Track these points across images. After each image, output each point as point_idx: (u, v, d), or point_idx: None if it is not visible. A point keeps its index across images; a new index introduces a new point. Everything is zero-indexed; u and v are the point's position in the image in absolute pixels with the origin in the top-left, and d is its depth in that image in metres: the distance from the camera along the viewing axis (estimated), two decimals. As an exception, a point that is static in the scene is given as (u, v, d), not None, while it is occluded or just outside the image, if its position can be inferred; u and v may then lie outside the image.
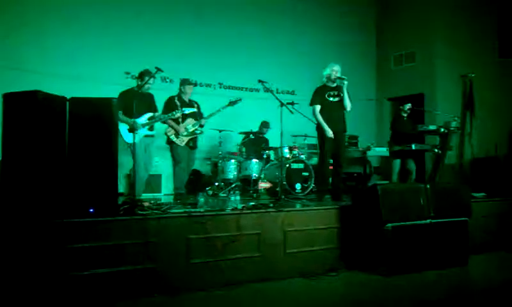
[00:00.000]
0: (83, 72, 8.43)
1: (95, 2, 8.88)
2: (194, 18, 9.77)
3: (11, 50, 7.98)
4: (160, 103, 7.02)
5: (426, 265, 5.35)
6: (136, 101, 5.99)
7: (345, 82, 6.42)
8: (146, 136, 6.51)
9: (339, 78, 6.46)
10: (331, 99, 6.51)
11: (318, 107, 6.52)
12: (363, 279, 5.06)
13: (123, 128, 6.20)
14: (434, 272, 5.28)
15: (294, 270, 5.13)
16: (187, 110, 6.87)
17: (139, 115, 6.37)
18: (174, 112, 6.73)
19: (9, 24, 8.01)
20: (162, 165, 8.28)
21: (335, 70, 6.54)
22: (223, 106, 7.28)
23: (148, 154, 6.59)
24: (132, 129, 6.17)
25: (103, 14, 8.92)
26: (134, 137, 5.93)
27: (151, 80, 6.41)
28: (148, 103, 6.61)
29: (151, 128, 6.59)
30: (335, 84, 6.56)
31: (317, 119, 6.53)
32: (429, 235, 5.43)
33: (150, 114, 6.58)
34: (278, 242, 5.09)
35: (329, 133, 6.41)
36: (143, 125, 6.43)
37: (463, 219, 5.74)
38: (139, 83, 6.49)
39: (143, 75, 6.50)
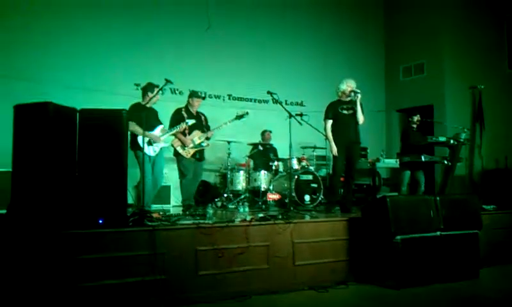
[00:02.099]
0: (93, 83, 8.47)
1: (105, 13, 8.94)
2: (204, 29, 9.81)
3: (21, 61, 8.04)
4: (168, 115, 7.07)
5: (436, 277, 5.30)
6: (145, 114, 6.04)
7: (359, 95, 6.42)
8: (161, 149, 6.58)
9: (353, 91, 6.46)
10: (344, 112, 6.50)
11: (329, 122, 6.53)
12: (372, 292, 5.02)
13: (141, 141, 6.24)
14: (444, 285, 5.23)
15: (303, 282, 5.10)
16: (190, 122, 6.88)
17: (152, 128, 6.43)
18: (179, 125, 6.79)
19: (19, 36, 8.07)
20: (170, 176, 8.29)
21: (350, 85, 6.52)
22: (229, 119, 7.33)
23: (160, 166, 6.63)
24: (153, 142, 6.36)
25: (113, 26, 8.98)
26: (144, 149, 5.96)
27: (158, 94, 6.46)
28: (155, 117, 6.67)
29: (165, 141, 6.67)
30: (348, 98, 6.55)
31: (326, 135, 6.53)
32: (439, 248, 5.39)
33: (161, 127, 6.63)
34: (287, 254, 5.08)
35: (334, 150, 6.43)
36: (159, 138, 6.51)
37: (473, 231, 5.70)
38: (147, 96, 6.52)
39: (147, 89, 6.55)
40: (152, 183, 6.48)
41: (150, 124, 6.25)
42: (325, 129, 6.59)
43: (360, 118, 6.52)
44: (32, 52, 8.17)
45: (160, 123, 6.71)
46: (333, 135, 6.51)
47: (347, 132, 6.48)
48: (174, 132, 6.78)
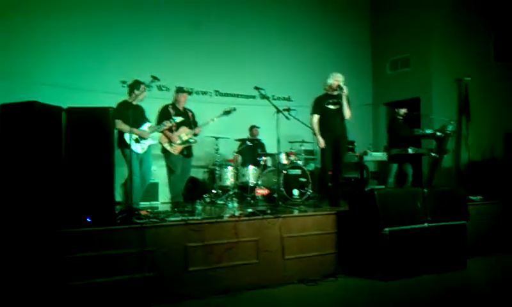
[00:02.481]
0: (79, 82, 8.41)
1: (90, 11, 8.89)
2: (191, 26, 9.77)
3: (6, 60, 7.97)
4: (156, 112, 7.05)
5: (425, 269, 5.36)
6: (132, 112, 6.02)
7: (344, 91, 6.45)
8: (149, 146, 6.56)
9: (339, 86, 6.50)
10: (330, 106, 6.56)
11: (316, 117, 6.62)
12: (361, 284, 5.07)
13: (129, 138, 6.22)
14: (433, 276, 5.29)
15: (293, 276, 5.14)
16: (177, 119, 6.87)
17: (139, 125, 6.41)
18: (164, 122, 6.78)
19: (5, 35, 8.00)
20: (158, 173, 8.27)
21: (337, 79, 6.57)
22: (217, 115, 7.33)
23: (148, 163, 6.62)
24: (141, 139, 6.36)
25: (99, 23, 8.91)
26: (131, 146, 5.95)
27: (145, 89, 6.43)
28: (142, 114, 6.65)
29: (152, 138, 6.66)
30: (335, 93, 6.60)
31: (312, 128, 6.59)
32: (427, 239, 5.44)
33: (149, 124, 6.61)
34: (276, 249, 5.10)
35: (321, 143, 6.51)
36: (147, 135, 6.50)
37: (460, 222, 5.76)
38: (133, 94, 6.50)
39: (133, 87, 6.53)
40: (140, 181, 6.46)
41: (137, 121, 6.24)
42: (311, 123, 6.65)
43: (347, 112, 6.57)
44: (17, 51, 8.10)
45: (148, 121, 6.69)
46: (319, 129, 6.57)
47: (333, 126, 6.53)
48: (161, 129, 6.76)
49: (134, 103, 6.44)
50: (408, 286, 4.97)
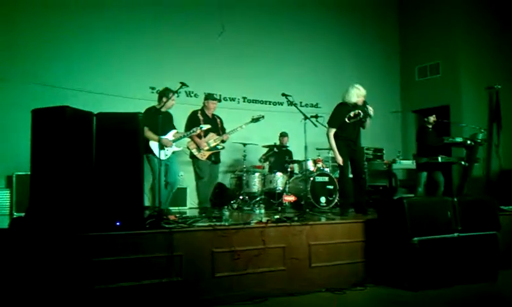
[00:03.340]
0: (109, 88, 8.55)
1: (120, 18, 9.02)
2: (218, 34, 9.83)
3: (37, 66, 8.14)
4: (184, 118, 7.09)
5: (454, 279, 5.23)
6: (159, 118, 6.04)
7: (371, 113, 6.32)
8: (173, 153, 6.61)
9: (367, 114, 6.35)
10: (350, 121, 6.36)
11: (332, 131, 6.38)
12: (390, 294, 4.98)
13: (154, 145, 6.29)
14: (462, 287, 5.16)
15: (320, 284, 5.07)
16: (205, 127, 6.87)
17: (165, 132, 6.46)
18: (193, 129, 6.80)
19: (34, 40, 8.17)
20: (187, 178, 8.32)
21: (360, 97, 6.34)
22: (245, 122, 7.33)
23: (174, 169, 6.66)
24: (164, 146, 6.41)
25: (128, 30, 9.05)
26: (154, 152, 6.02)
27: (174, 97, 6.48)
28: (169, 121, 6.70)
29: (177, 145, 6.69)
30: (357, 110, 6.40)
31: (329, 142, 6.42)
32: (457, 249, 5.32)
33: (174, 131, 6.65)
34: (303, 256, 5.06)
35: (340, 160, 6.31)
36: (170, 144, 6.55)
37: (491, 232, 5.62)
38: (162, 101, 6.54)
39: (163, 94, 6.58)
40: (168, 187, 6.51)
41: (162, 128, 6.20)
42: (328, 137, 6.43)
43: (367, 127, 6.52)
44: (47, 56, 8.25)
45: (174, 128, 6.73)
46: (335, 138, 6.39)
47: (352, 140, 6.40)
48: (186, 136, 6.79)
49: (162, 109, 6.47)
50: (437, 297, 4.86)
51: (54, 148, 4.20)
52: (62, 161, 4.19)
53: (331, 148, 6.53)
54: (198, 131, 6.83)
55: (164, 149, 6.43)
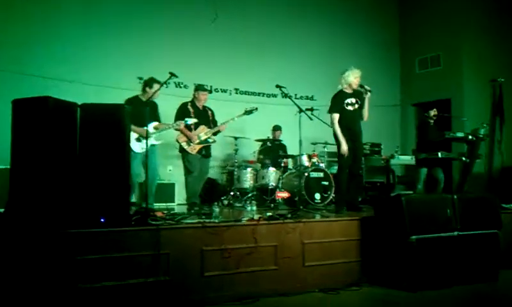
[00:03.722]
0: (94, 78, 8.51)
1: (105, 5, 8.98)
2: (210, 21, 9.80)
3: (19, 55, 8.07)
4: (174, 109, 7.08)
5: (453, 280, 5.27)
6: (140, 109, 5.99)
7: (369, 94, 6.39)
8: (153, 145, 6.45)
9: (364, 88, 6.43)
10: (349, 108, 6.41)
11: (336, 116, 6.40)
12: (386, 295, 5.00)
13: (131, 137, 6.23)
14: (461, 288, 5.20)
15: (313, 284, 5.10)
16: (190, 121, 6.81)
17: (145, 124, 6.31)
18: (177, 123, 6.75)
19: (16, 30, 8.10)
20: (175, 173, 8.31)
21: (357, 77, 6.45)
22: (237, 115, 7.32)
23: (152, 163, 6.47)
24: (142, 138, 6.25)
25: (114, 17, 9.02)
26: (146, 146, 5.96)
27: (158, 87, 6.41)
28: (152, 112, 6.59)
29: (157, 138, 6.61)
30: (353, 91, 6.51)
31: (334, 130, 6.45)
32: (456, 248, 5.35)
33: (155, 123, 6.58)
34: (296, 255, 5.08)
35: (345, 149, 6.31)
36: (151, 134, 6.43)
37: (492, 231, 5.66)
38: (145, 91, 6.53)
39: (147, 84, 6.55)
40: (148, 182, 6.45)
41: (142, 120, 6.11)
42: (332, 123, 6.43)
43: (366, 115, 6.52)
44: (29, 45, 8.19)
45: (157, 120, 6.67)
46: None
47: (352, 126, 6.42)
48: (167, 129, 6.68)
49: (145, 100, 6.44)
50: (435, 298, 4.90)
51: (35, 141, 4.18)
52: (44, 154, 4.17)
53: (335, 136, 6.42)
54: (182, 125, 6.77)
55: (140, 141, 6.34)
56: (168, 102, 7.15)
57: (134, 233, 4.37)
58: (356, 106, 6.46)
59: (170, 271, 4.42)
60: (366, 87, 6.44)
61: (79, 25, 8.66)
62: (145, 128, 5.70)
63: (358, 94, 6.51)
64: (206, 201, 7.43)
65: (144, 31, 9.24)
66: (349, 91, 6.48)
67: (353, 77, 6.45)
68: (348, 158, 6.38)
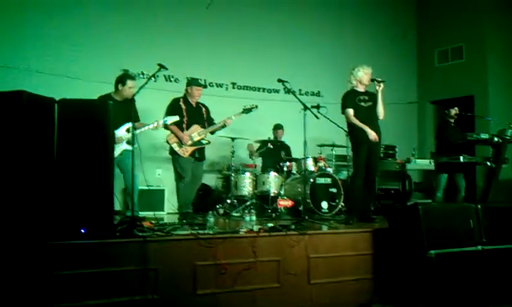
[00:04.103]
0: (74, 70, 8.49)
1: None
2: (204, 8, 9.79)
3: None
4: (163, 106, 7.07)
5: (476, 300, 5.26)
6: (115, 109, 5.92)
7: (382, 85, 6.44)
8: (126, 150, 6.34)
9: (375, 80, 6.48)
10: (362, 104, 6.52)
11: (352, 111, 6.52)
12: (401, 316, 5.02)
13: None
14: (486, 309, 5.21)
15: (319, 304, 5.10)
16: (169, 120, 6.74)
17: (117, 126, 6.17)
18: (153, 123, 6.59)
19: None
20: (165, 178, 8.31)
21: (367, 72, 6.56)
22: (235, 113, 7.32)
23: (127, 169, 6.36)
24: (123, 139, 6.30)
25: (97, 2, 9.00)
26: (133, 147, 5.95)
27: (133, 84, 6.39)
28: (127, 112, 6.34)
29: (130, 142, 6.48)
30: (365, 89, 6.61)
31: (352, 123, 6.51)
32: (481, 265, 5.34)
33: (128, 125, 6.42)
34: (301, 271, 5.08)
35: (372, 135, 6.40)
36: (121, 139, 6.35)
37: (521, 245, 5.66)
38: (118, 89, 6.52)
39: (119, 81, 6.54)
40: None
41: (116, 121, 5.95)
42: (349, 119, 6.56)
43: (381, 112, 6.57)
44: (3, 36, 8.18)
45: (133, 120, 6.59)
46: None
47: (368, 125, 6.46)
48: (143, 129, 6.62)
49: (117, 98, 6.44)
50: (457, 321, 4.91)
51: (7, 141, 4.16)
52: (17, 156, 4.15)
53: (351, 134, 6.61)
54: (154, 125, 6.58)
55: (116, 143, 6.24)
56: (157, 98, 7.16)
57: (119, 246, 4.37)
58: (370, 103, 6.51)
59: (159, 289, 4.41)
60: (378, 78, 6.52)
61: (55, 12, 8.61)
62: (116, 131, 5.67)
63: (371, 93, 6.60)
64: (199, 210, 7.43)
65: (129, 18, 9.22)
66: (360, 89, 6.57)
67: (363, 72, 6.55)
68: (363, 159, 6.42)
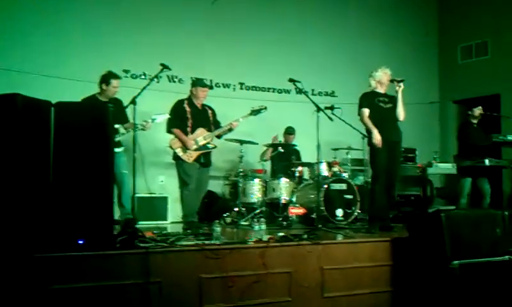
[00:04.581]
0: (70, 71, 8.50)
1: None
2: (209, 4, 9.81)
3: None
4: (166, 109, 7.09)
5: (505, 314, 5.25)
6: None
7: (402, 85, 6.47)
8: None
9: (394, 80, 6.54)
10: (382, 104, 6.57)
11: (367, 111, 6.59)
12: (422, 332, 5.00)
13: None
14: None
15: (335, 319, 5.10)
16: (158, 118, 6.78)
17: None
18: (143, 123, 6.59)
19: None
20: (168, 185, 8.32)
21: (387, 73, 6.66)
22: (243, 115, 7.32)
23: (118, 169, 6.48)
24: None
25: (100, 2, 9.04)
26: (134, 147, 5.98)
27: (117, 83, 6.41)
28: (114, 113, 6.48)
29: (117, 144, 6.52)
30: (385, 91, 6.70)
31: (364, 124, 6.58)
32: (508, 276, 5.33)
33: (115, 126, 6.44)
34: (314, 284, 5.07)
35: (377, 139, 6.44)
36: None
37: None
38: (102, 89, 6.59)
39: (102, 80, 6.62)
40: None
41: None
42: (362, 119, 6.65)
43: (401, 113, 6.62)
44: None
45: (120, 121, 6.62)
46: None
47: (387, 128, 6.49)
48: (126, 132, 6.63)
49: (102, 98, 6.47)
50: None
51: (1, 147, 4.19)
52: (11, 163, 4.18)
53: (366, 129, 6.69)
54: (148, 125, 6.67)
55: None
56: (159, 100, 7.18)
57: (119, 258, 4.38)
58: (390, 105, 6.57)
59: (162, 303, 4.41)
60: (397, 78, 6.60)
61: (50, 9, 8.66)
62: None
63: (391, 96, 6.69)
64: (205, 219, 7.44)
65: (129, 15, 9.25)
66: (380, 90, 6.66)
67: (382, 72, 6.66)
68: (383, 162, 6.42)
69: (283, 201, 8.01)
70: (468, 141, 8.20)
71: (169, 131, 6.98)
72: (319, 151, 6.66)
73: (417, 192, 9.30)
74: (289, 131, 9.36)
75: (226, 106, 8.22)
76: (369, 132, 6.61)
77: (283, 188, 8.11)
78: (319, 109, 6.57)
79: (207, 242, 4.93)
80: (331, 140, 8.30)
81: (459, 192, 8.21)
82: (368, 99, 6.67)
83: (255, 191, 8.19)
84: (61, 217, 4.37)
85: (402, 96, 6.57)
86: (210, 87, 8.07)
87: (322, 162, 7.94)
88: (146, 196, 6.91)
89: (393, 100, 6.66)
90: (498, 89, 10.87)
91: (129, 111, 6.30)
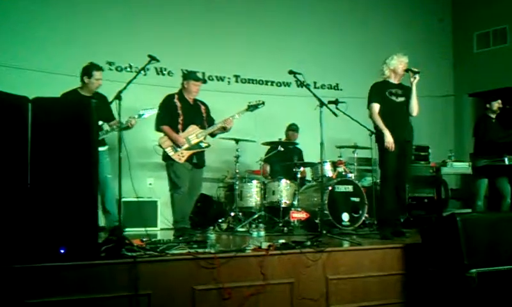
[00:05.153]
0: (49, 63, 8.51)
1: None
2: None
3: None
4: (155, 104, 7.08)
5: (526, 327, 5.26)
6: None
7: (417, 77, 6.43)
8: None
9: (410, 70, 6.48)
10: (393, 98, 6.51)
11: (377, 107, 6.54)
12: (437, 347, 5.00)
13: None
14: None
15: (341, 334, 5.11)
16: (146, 113, 6.81)
17: None
18: (128, 119, 6.59)
19: None
20: (158, 188, 8.32)
21: (402, 61, 6.58)
22: (238, 111, 7.31)
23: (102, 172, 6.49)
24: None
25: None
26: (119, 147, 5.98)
27: (99, 76, 6.43)
28: (102, 109, 6.50)
29: (100, 143, 6.53)
30: (398, 81, 6.63)
31: (374, 122, 6.54)
32: (531, 285, 5.34)
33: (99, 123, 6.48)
34: (318, 295, 5.07)
35: (389, 142, 6.39)
36: None
37: None
38: (84, 83, 6.62)
39: (84, 73, 6.63)
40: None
41: None
42: (371, 115, 6.59)
43: (415, 108, 6.57)
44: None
45: (104, 118, 6.63)
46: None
47: (398, 125, 6.47)
48: (110, 131, 6.64)
49: (84, 93, 6.50)
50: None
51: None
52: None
53: (376, 127, 6.62)
54: (133, 122, 6.67)
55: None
56: (147, 94, 7.18)
57: (105, 268, 4.37)
58: (403, 99, 6.51)
59: (152, 318, 4.42)
60: (413, 69, 6.51)
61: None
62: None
63: (406, 87, 6.62)
64: (198, 225, 7.44)
65: (113, 2, 9.25)
66: (393, 80, 6.56)
67: (397, 61, 6.55)
68: (394, 163, 6.42)
69: (283, 205, 8.03)
70: (485, 138, 8.20)
71: (158, 128, 6.97)
72: (323, 149, 6.64)
73: (430, 194, 9.30)
74: (292, 128, 9.35)
75: (221, 101, 8.23)
76: (378, 129, 6.57)
77: (284, 190, 8.13)
78: (322, 104, 6.57)
79: (200, 250, 4.93)
80: (336, 137, 8.31)
81: (475, 194, 8.21)
82: (379, 92, 6.60)
83: (252, 194, 8.22)
84: (41, 224, 4.35)
85: (416, 90, 6.53)
86: (203, 81, 8.05)
87: (326, 162, 7.95)
88: (133, 200, 6.88)
89: (407, 92, 6.58)
90: (519, 80, 10.90)
91: (114, 107, 6.30)
